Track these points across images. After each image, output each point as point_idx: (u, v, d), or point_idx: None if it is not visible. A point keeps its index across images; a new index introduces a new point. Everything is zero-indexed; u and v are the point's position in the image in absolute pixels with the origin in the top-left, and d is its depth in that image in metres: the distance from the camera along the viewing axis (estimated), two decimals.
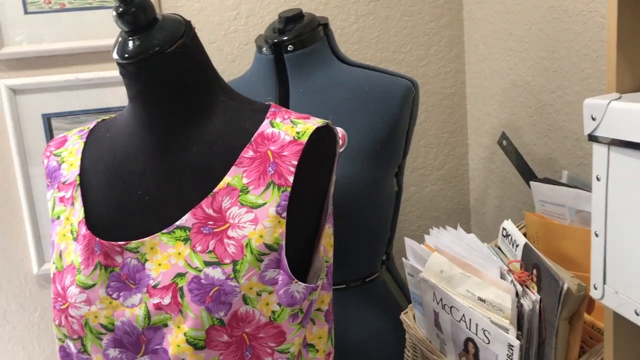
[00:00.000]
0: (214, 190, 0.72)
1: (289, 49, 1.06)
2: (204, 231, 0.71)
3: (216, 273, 0.70)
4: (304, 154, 0.72)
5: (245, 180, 0.72)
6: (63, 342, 0.77)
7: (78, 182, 0.80)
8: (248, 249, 0.70)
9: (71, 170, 0.81)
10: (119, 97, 1.33)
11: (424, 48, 1.58)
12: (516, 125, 1.44)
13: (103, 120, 0.87)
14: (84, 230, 0.75)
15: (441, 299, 0.82)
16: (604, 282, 0.62)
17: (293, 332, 0.73)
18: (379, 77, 1.07)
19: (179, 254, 0.71)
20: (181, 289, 0.70)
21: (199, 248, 0.71)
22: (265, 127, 0.75)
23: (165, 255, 0.72)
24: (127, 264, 0.73)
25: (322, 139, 0.75)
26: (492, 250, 0.90)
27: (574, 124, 1.24)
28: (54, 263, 0.78)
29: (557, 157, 1.28)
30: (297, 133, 0.73)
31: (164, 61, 0.75)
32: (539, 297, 0.76)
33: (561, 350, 0.75)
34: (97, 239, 0.73)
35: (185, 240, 0.71)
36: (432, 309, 0.86)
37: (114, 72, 1.29)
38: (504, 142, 1.14)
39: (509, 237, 0.89)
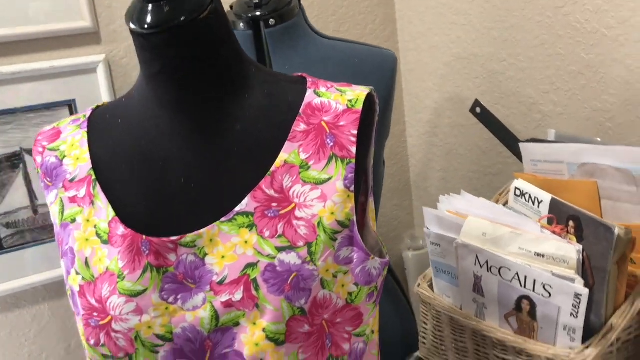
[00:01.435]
0: (271, 169, 0.65)
1: (270, 23, 1.00)
2: (269, 214, 0.64)
3: (291, 258, 0.63)
4: (361, 123, 0.68)
5: (303, 156, 0.66)
6: None
7: (94, 176, 0.68)
8: (321, 229, 0.64)
9: (79, 165, 0.69)
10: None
11: (360, 27, 1.57)
12: (462, 97, 1.48)
13: (99, 106, 0.76)
14: (121, 229, 0.64)
15: (487, 262, 0.81)
16: None
17: (369, 313, 0.68)
18: (365, 50, 1.04)
19: (246, 242, 0.63)
20: (255, 280, 0.62)
21: (267, 233, 0.63)
22: (311, 98, 0.69)
23: (229, 246, 0.63)
24: (183, 262, 0.64)
25: (371, 106, 0.70)
26: (510, 210, 0.91)
27: (528, 89, 1.30)
28: (77, 274, 0.66)
29: (513, 123, 1.34)
30: (350, 101, 0.68)
31: (197, 29, 0.66)
32: (581, 247, 0.78)
33: (612, 294, 0.78)
34: (144, 236, 0.63)
35: (250, 226, 0.64)
36: (471, 274, 0.85)
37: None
38: (478, 110, 1.16)
39: (526, 196, 0.91)
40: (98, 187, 0.67)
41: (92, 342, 0.64)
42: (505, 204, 0.97)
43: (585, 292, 0.73)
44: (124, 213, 0.65)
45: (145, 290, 0.63)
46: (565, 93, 1.22)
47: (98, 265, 0.65)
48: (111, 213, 0.65)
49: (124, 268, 0.63)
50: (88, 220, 0.67)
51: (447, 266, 0.91)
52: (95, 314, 0.64)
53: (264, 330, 0.62)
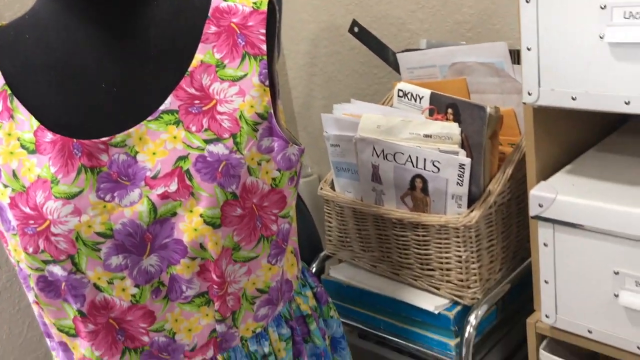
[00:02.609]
0: (189, 70, 0.70)
1: None
2: (193, 111, 0.69)
3: (219, 149, 0.68)
4: (267, 23, 0.73)
5: (217, 55, 0.71)
6: (43, 270, 0.67)
7: (9, 91, 0.68)
8: (243, 121, 0.70)
9: None
10: None
11: None
12: (336, 25, 1.57)
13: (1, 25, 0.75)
14: (49, 136, 0.66)
15: (382, 150, 0.92)
16: (539, 85, 0.78)
17: (291, 196, 0.76)
18: None
19: (175, 137, 0.68)
20: (187, 171, 0.67)
21: (193, 128, 0.68)
22: (217, 2, 0.74)
23: (159, 143, 0.68)
24: (116, 161, 0.67)
25: (274, 8, 0.76)
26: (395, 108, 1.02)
27: (397, 10, 1.41)
28: (6, 187, 0.67)
29: (386, 43, 1.45)
30: (254, 3, 0.74)
31: None
32: (460, 128, 0.90)
33: (488, 165, 0.92)
34: (75, 140, 0.65)
35: (177, 123, 0.68)
36: (369, 164, 0.95)
37: None
38: (356, 29, 1.26)
39: (408, 95, 1.02)
40: (16, 101, 0.68)
41: (30, 250, 0.66)
42: (391, 107, 1.08)
43: (467, 161, 0.86)
44: (48, 122, 0.67)
45: (81, 191, 0.66)
46: (429, 10, 1.35)
47: (28, 175, 0.66)
48: (35, 123, 0.67)
49: (57, 172, 0.65)
50: (10, 134, 0.68)
51: (347, 164, 1.00)
52: (32, 221, 0.66)
53: (201, 215, 0.68)
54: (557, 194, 0.81)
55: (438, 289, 0.96)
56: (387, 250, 1.02)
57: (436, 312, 0.94)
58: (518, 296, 1.03)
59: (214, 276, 0.71)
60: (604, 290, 0.80)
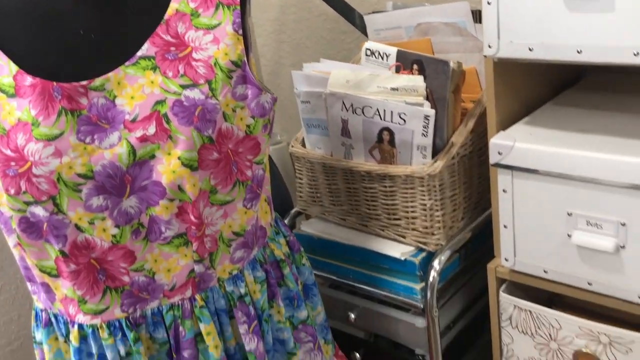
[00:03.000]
0: (164, 17, 0.72)
1: None
2: (169, 57, 0.71)
3: (195, 94, 0.71)
4: None
5: (192, 5, 0.73)
6: (25, 212, 0.69)
7: None
8: (217, 68, 0.73)
9: None
10: None
11: None
12: None
13: None
14: (29, 80, 0.67)
15: (351, 104, 0.95)
16: (498, 38, 0.83)
17: (265, 142, 0.79)
18: None
19: (152, 82, 0.70)
20: (165, 115, 0.70)
21: (170, 74, 0.71)
22: None
23: (137, 87, 0.70)
24: (95, 104, 0.69)
25: None
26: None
27: None
28: None
29: (356, 5, 1.48)
30: None
31: None
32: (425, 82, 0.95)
33: (451, 118, 0.96)
34: (55, 83, 0.67)
35: (154, 68, 0.70)
36: (339, 119, 0.99)
37: None
38: None
39: (376, 53, 1.06)
40: None
41: (12, 191, 0.68)
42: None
43: (432, 112, 0.90)
44: (27, 66, 0.69)
45: (62, 133, 0.68)
46: None
47: (8, 119, 0.68)
48: (14, 68, 0.68)
49: (38, 115, 0.67)
50: None
51: (317, 120, 1.04)
52: (13, 163, 0.68)
53: (179, 158, 0.71)
54: (515, 142, 0.86)
55: (404, 237, 1.01)
56: (355, 203, 1.06)
57: (402, 258, 0.99)
58: (480, 246, 1.09)
59: (192, 217, 0.74)
60: (558, 232, 0.86)
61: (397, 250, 1.01)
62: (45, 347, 0.80)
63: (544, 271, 0.90)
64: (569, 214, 0.84)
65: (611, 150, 0.79)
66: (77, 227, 0.71)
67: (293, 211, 1.19)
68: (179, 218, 0.74)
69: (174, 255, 0.75)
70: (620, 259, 0.81)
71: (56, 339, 0.80)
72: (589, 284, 0.86)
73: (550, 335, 0.92)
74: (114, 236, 0.72)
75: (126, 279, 0.74)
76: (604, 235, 0.81)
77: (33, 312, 0.83)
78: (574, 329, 0.89)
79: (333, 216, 1.11)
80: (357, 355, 1.12)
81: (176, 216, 0.73)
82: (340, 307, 1.12)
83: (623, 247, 0.80)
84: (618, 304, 0.85)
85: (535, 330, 0.94)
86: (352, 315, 1.10)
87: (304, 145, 1.11)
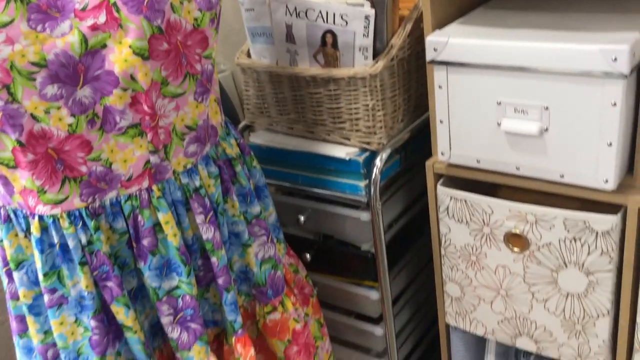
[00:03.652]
0: None
1: None
2: None
3: None
4: None
5: None
6: None
7: None
8: None
9: None
10: None
11: None
12: None
13: None
14: None
15: (295, 8, 0.99)
16: None
17: (212, 37, 0.82)
18: None
19: None
20: (114, 4, 0.72)
21: None
22: None
23: None
24: None
25: None
26: None
27: None
28: None
29: None
30: None
31: None
32: None
33: (390, 21, 1.01)
34: None
35: None
36: (283, 25, 1.02)
37: None
38: None
39: None
40: None
41: None
42: None
43: (372, 12, 0.95)
44: None
45: (12, 21, 0.69)
46: None
47: None
48: None
49: None
50: None
51: (262, 28, 1.07)
52: None
53: (130, 47, 0.73)
54: (449, 38, 0.92)
55: (348, 139, 1.07)
56: (302, 111, 1.10)
57: (347, 158, 1.05)
58: (420, 148, 1.16)
59: (145, 107, 0.77)
60: (489, 121, 0.93)
61: (342, 151, 1.06)
62: (6, 243, 0.82)
63: (477, 161, 0.98)
64: (498, 103, 0.91)
65: (536, 39, 0.86)
66: (33, 117, 0.72)
67: (241, 125, 1.23)
68: (133, 108, 0.77)
69: (129, 146, 0.78)
70: (544, 142, 0.90)
71: (16, 235, 0.82)
72: (517, 168, 0.94)
73: (483, 221, 1.01)
74: (69, 125, 0.74)
75: (84, 169, 0.77)
76: (529, 120, 0.89)
77: None
78: (504, 212, 0.98)
79: (280, 126, 1.16)
80: (308, 256, 1.19)
81: (130, 106, 0.76)
82: (291, 212, 1.18)
83: (546, 130, 0.88)
84: (543, 185, 0.94)
85: (470, 218, 1.02)
86: (302, 218, 1.16)
87: (249, 56, 1.14)
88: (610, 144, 0.84)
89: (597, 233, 0.90)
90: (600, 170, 0.86)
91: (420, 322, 1.32)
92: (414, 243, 1.25)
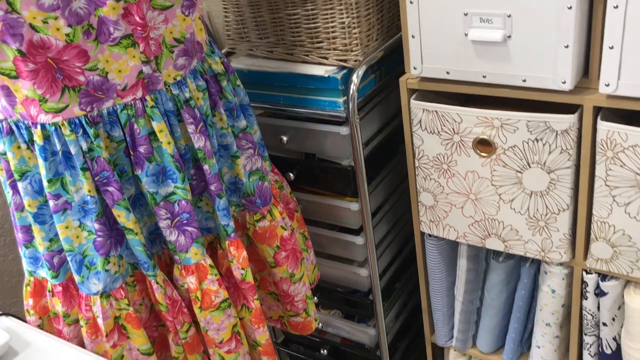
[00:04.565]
0: None
1: None
2: None
3: None
4: None
5: None
6: None
7: None
8: None
9: None
10: None
11: None
12: None
13: None
14: None
15: None
16: None
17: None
18: None
19: None
20: None
21: None
22: None
23: None
24: None
25: None
26: None
27: None
28: None
29: None
30: None
31: None
32: None
33: None
34: None
35: None
36: None
37: None
38: None
39: None
40: None
41: None
42: None
43: None
44: None
45: None
46: None
47: None
48: None
49: None
50: None
51: None
52: None
53: None
54: None
55: (326, 58, 1.13)
56: (281, 34, 1.16)
57: (326, 75, 1.11)
58: (393, 69, 1.23)
59: (137, 18, 0.82)
60: (457, 33, 1.00)
61: (321, 70, 1.12)
62: (9, 155, 0.87)
63: (447, 72, 1.05)
64: (465, 14, 0.98)
65: None
66: (32, 27, 0.77)
67: (223, 52, 1.28)
68: (125, 20, 0.81)
69: (123, 57, 0.84)
70: (507, 49, 0.97)
71: (18, 147, 0.87)
72: (483, 77, 1.02)
73: (453, 130, 1.08)
74: (67, 35, 0.79)
75: (82, 78, 0.82)
76: (494, 28, 0.96)
77: None
78: (472, 120, 1.05)
79: (260, 50, 1.21)
80: (291, 175, 1.26)
81: (122, 17, 0.81)
82: (274, 133, 1.24)
83: (509, 37, 0.96)
84: (507, 91, 1.02)
85: (441, 128, 1.10)
86: (285, 138, 1.22)
87: None
88: (567, 46, 0.92)
89: (556, 132, 0.99)
90: (559, 72, 0.94)
91: (398, 234, 1.42)
92: (391, 159, 1.33)
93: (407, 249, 1.48)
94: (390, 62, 1.22)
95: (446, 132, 1.09)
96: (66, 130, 0.83)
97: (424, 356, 1.52)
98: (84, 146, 0.85)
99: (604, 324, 1.11)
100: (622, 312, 1.10)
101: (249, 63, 1.22)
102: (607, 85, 0.91)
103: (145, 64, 0.85)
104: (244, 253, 1.01)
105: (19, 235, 0.95)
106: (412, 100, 1.11)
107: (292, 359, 1.63)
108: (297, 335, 1.56)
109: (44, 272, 0.97)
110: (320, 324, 1.47)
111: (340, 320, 1.44)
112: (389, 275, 1.41)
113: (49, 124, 0.83)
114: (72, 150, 0.84)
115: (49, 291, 0.97)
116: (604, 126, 0.94)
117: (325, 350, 1.50)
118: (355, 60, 1.11)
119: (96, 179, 0.87)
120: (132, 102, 0.86)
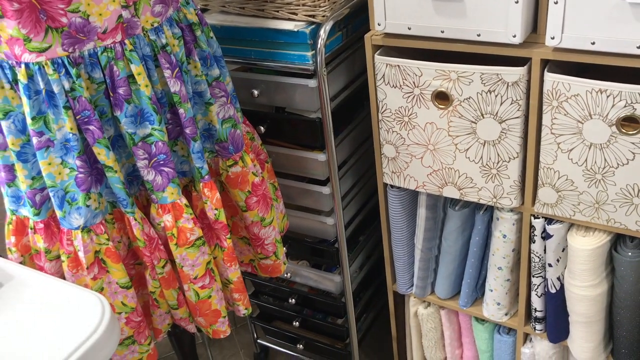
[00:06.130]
0: None
1: None
2: None
3: None
4: None
5: None
6: None
7: None
8: None
9: None
10: None
11: None
12: None
13: None
14: None
15: None
16: None
17: None
18: None
19: None
20: None
21: None
22: None
23: None
24: None
25: None
26: None
27: None
28: None
29: None
30: None
31: None
32: None
33: None
34: None
35: None
36: None
37: None
38: None
39: None
40: None
41: None
42: None
43: None
44: None
45: None
46: None
47: None
48: None
49: None
50: None
51: None
52: None
53: None
54: None
55: (295, 14, 1.19)
56: None
57: (296, 30, 1.17)
58: (358, 29, 1.30)
59: None
60: None
61: (290, 25, 1.19)
62: None
63: (408, 28, 1.12)
64: None
65: None
66: None
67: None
68: None
69: (103, 1, 0.88)
70: (464, 5, 1.04)
71: (2, 87, 0.92)
72: (442, 32, 1.09)
73: (414, 83, 1.16)
74: None
75: (64, 20, 0.87)
76: None
77: None
78: (431, 73, 1.13)
79: (232, 7, 1.27)
80: (262, 128, 1.32)
81: None
82: (245, 87, 1.30)
83: None
84: (463, 46, 1.10)
85: (403, 82, 1.17)
86: (256, 92, 1.29)
87: None
88: (517, 2, 1.00)
89: (507, 84, 1.07)
90: (510, 27, 1.02)
91: (362, 187, 1.50)
92: (356, 114, 1.40)
93: (371, 204, 1.56)
94: (355, 21, 1.29)
95: (407, 85, 1.17)
96: (49, 70, 0.88)
97: (386, 304, 1.61)
98: (67, 85, 0.90)
99: (550, 265, 1.21)
100: (566, 254, 1.20)
101: (221, 19, 1.27)
102: (553, 38, 0.99)
103: (124, 9, 0.90)
104: (217, 194, 1.08)
105: (1, 175, 1.00)
106: (376, 56, 1.18)
107: (262, 310, 1.71)
108: (266, 287, 1.64)
109: (25, 211, 1.02)
110: (288, 274, 1.55)
111: (308, 270, 1.51)
112: (353, 227, 1.49)
113: (33, 63, 0.88)
114: (55, 89, 0.89)
115: (31, 228, 1.02)
116: (549, 77, 1.03)
117: (294, 300, 1.58)
118: (323, 16, 1.17)
119: (78, 117, 0.92)
120: (112, 45, 0.91)
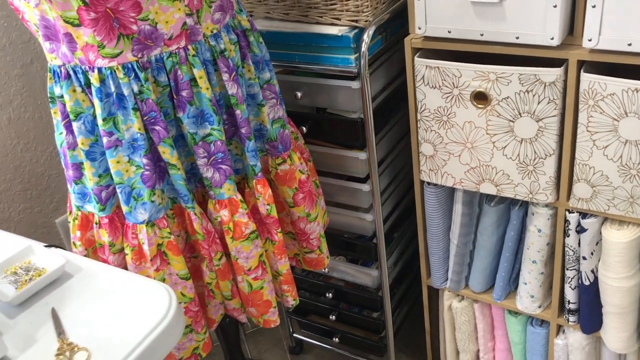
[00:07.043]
0: None
1: None
2: None
3: None
4: None
5: None
6: None
7: None
8: None
9: None
10: None
11: None
12: None
13: None
14: None
15: None
16: None
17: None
18: None
19: None
20: None
21: None
22: None
23: None
24: None
25: None
26: None
27: None
28: None
29: None
30: None
31: None
32: None
33: None
34: None
35: None
36: None
37: None
38: None
39: None
40: None
41: None
42: None
43: None
44: None
45: None
46: None
47: None
48: None
49: None
50: None
51: None
52: None
53: None
54: None
55: (339, 19, 1.25)
56: None
57: (340, 34, 1.23)
58: (397, 32, 1.35)
59: None
60: None
61: (334, 29, 1.24)
62: (66, 97, 0.98)
63: (448, 32, 1.18)
64: None
65: None
66: None
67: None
68: None
69: (170, 9, 0.95)
70: (503, 9, 1.10)
71: (74, 90, 0.98)
72: (481, 35, 1.15)
73: (453, 84, 1.21)
74: None
75: (135, 27, 0.93)
76: None
77: (49, 74, 1.00)
78: (470, 74, 1.19)
79: (277, 13, 1.33)
80: (304, 128, 1.38)
81: None
82: (288, 89, 1.36)
83: None
84: (501, 48, 1.15)
85: (442, 83, 1.23)
86: (299, 94, 1.35)
87: None
88: (555, 6, 1.05)
89: (545, 84, 1.12)
90: (548, 30, 1.07)
91: (399, 185, 1.55)
92: (395, 114, 1.46)
93: (406, 200, 1.61)
94: (394, 26, 1.34)
95: (446, 86, 1.22)
96: (120, 74, 0.95)
97: (420, 298, 1.66)
98: (135, 88, 0.96)
99: (584, 258, 1.26)
100: (600, 247, 1.24)
101: (267, 25, 1.33)
102: (590, 40, 1.04)
103: (188, 17, 0.97)
104: (269, 191, 1.14)
105: (69, 173, 1.06)
106: (416, 58, 1.24)
107: (299, 304, 1.76)
108: (305, 282, 1.70)
109: (91, 207, 1.08)
110: (326, 269, 1.60)
111: (346, 265, 1.57)
112: (389, 224, 1.54)
113: (105, 68, 0.94)
114: (125, 92, 0.96)
115: (96, 223, 1.08)
116: (586, 77, 1.08)
117: (330, 294, 1.64)
118: (366, 21, 1.23)
119: (145, 118, 0.98)
120: (177, 50, 0.98)
